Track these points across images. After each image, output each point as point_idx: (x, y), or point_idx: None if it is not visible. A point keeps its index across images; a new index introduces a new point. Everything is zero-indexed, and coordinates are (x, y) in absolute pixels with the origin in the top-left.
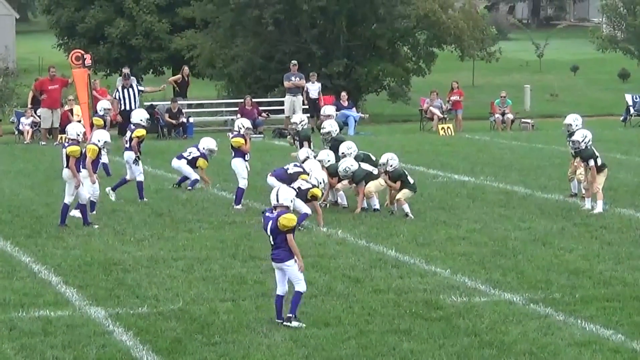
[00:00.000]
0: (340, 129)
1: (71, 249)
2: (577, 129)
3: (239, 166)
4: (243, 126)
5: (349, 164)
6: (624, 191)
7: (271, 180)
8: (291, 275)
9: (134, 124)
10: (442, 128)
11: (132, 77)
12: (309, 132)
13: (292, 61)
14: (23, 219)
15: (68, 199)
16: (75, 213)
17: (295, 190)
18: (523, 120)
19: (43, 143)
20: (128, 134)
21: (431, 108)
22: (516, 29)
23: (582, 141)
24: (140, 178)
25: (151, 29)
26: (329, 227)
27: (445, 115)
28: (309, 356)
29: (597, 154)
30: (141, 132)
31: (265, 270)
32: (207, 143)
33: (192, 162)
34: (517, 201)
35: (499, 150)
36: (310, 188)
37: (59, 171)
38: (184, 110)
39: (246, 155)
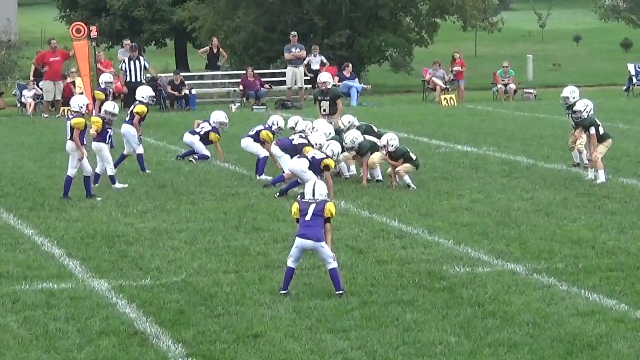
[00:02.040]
0: (335, 97)
1: (74, 221)
2: (575, 101)
3: (253, 145)
4: (276, 123)
5: (354, 135)
6: (627, 161)
7: (275, 149)
8: (325, 254)
9: (138, 100)
10: (445, 98)
11: None
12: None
13: (292, 32)
14: (26, 191)
15: (71, 172)
16: (117, 186)
17: (308, 160)
18: (525, 90)
19: (45, 115)
20: (131, 108)
21: (434, 78)
22: None
23: (584, 110)
24: (140, 150)
25: (153, 0)
26: (332, 199)
27: (448, 86)
28: (312, 327)
29: (598, 122)
30: (142, 108)
31: (268, 242)
32: (217, 116)
33: (204, 137)
34: (520, 171)
35: (502, 120)
36: (324, 158)
37: (61, 144)
38: (186, 82)
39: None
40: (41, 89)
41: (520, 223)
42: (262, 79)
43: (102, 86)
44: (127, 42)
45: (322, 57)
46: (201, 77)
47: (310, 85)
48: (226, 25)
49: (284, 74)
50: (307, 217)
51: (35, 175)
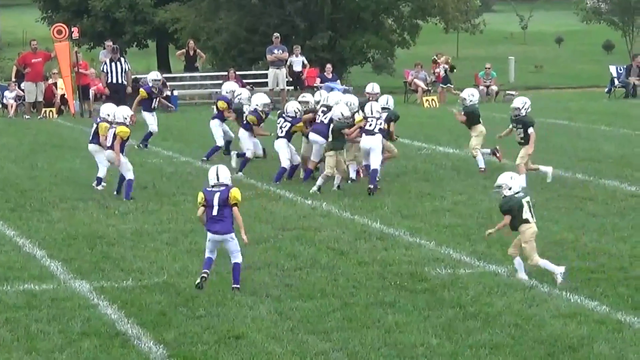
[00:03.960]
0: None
1: (56, 222)
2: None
3: (283, 147)
4: (299, 110)
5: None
6: (609, 163)
7: (314, 136)
8: (233, 247)
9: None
10: (427, 100)
11: None
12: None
13: (275, 34)
14: (7, 192)
15: (102, 172)
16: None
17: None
18: (507, 92)
19: (27, 117)
20: None
21: (415, 80)
22: (500, 1)
23: (523, 108)
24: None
25: (135, 1)
26: (314, 200)
27: (430, 88)
28: (294, 328)
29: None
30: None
31: (249, 243)
32: (260, 99)
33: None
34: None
35: (484, 122)
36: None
37: (43, 145)
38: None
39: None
40: (23, 90)
41: None
42: (244, 81)
43: (150, 84)
44: (108, 43)
45: (304, 58)
46: (182, 79)
47: (292, 87)
48: (208, 27)
49: (266, 76)
50: (214, 212)
51: (17, 177)
